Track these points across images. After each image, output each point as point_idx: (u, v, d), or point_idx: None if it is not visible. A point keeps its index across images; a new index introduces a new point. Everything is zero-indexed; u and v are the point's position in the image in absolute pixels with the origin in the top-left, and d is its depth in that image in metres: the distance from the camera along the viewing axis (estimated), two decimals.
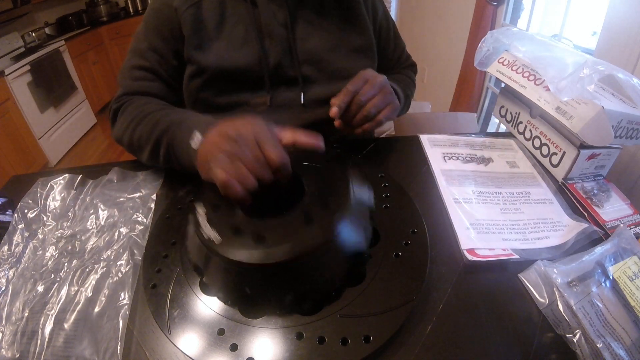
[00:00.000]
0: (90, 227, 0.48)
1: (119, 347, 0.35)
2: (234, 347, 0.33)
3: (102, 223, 0.48)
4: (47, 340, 0.36)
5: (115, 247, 0.45)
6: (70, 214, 0.50)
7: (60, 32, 2.70)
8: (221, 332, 0.34)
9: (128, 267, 0.42)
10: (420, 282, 0.38)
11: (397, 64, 0.78)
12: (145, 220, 0.48)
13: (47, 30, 2.62)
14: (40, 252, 0.45)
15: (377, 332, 0.34)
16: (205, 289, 0.38)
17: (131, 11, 3.20)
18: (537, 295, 0.38)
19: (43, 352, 0.35)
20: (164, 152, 0.51)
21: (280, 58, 0.61)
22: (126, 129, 0.55)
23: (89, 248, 0.45)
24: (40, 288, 0.41)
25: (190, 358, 0.33)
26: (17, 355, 0.35)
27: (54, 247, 0.46)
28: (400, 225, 0.45)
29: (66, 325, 0.37)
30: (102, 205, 0.50)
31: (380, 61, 0.72)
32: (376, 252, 0.41)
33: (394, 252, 0.41)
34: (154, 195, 0.52)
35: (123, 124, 0.56)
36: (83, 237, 0.47)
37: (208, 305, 0.37)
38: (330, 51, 0.64)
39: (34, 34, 2.42)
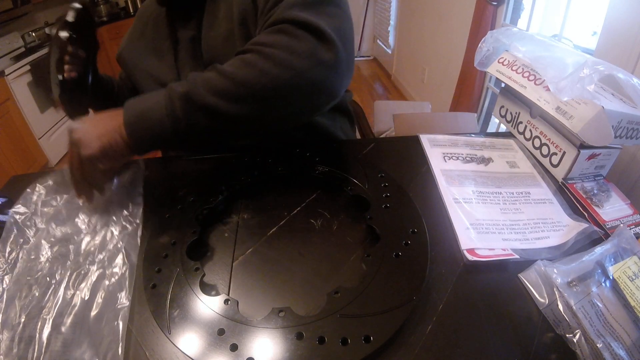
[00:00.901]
0: (82, 228, 0.48)
1: (120, 349, 0.35)
2: (234, 347, 0.33)
3: (94, 222, 0.48)
4: (45, 344, 0.36)
5: (109, 248, 0.44)
6: (61, 217, 0.50)
7: None
8: (221, 332, 0.34)
9: (124, 267, 0.42)
10: (420, 282, 0.38)
11: (260, 18, 0.53)
12: (135, 218, 0.48)
13: (47, 30, 2.62)
14: (34, 257, 0.45)
15: (377, 332, 0.34)
16: None
17: (131, 11, 3.20)
18: (537, 295, 0.38)
19: (42, 357, 0.35)
20: None
21: (191, 64, 0.62)
22: None
23: (82, 250, 0.45)
24: (36, 293, 0.40)
25: (190, 358, 0.33)
26: None
27: (48, 251, 0.45)
28: (400, 225, 0.45)
29: (64, 329, 0.37)
30: (91, 206, 0.50)
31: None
32: (376, 252, 0.41)
33: (394, 252, 0.41)
34: (141, 188, 0.52)
35: None
36: (76, 238, 0.46)
37: (208, 305, 0.37)
38: (226, 39, 0.57)
39: (34, 34, 2.42)
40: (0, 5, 2.15)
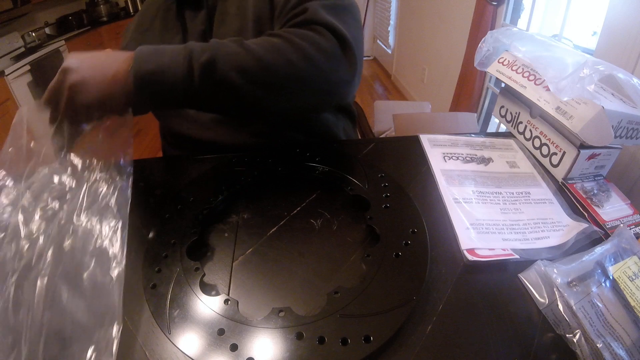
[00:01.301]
0: (69, 180, 0.43)
1: (118, 311, 0.34)
2: (234, 347, 0.33)
3: (80, 172, 0.44)
4: (38, 309, 0.34)
5: (99, 202, 0.41)
6: (46, 165, 0.45)
7: (60, 32, 2.71)
8: (221, 332, 0.34)
9: (114, 221, 0.39)
10: (420, 282, 0.38)
11: (280, 16, 0.54)
12: (125, 168, 0.44)
13: (47, 30, 2.63)
14: (22, 212, 0.41)
15: (377, 332, 0.34)
16: None
17: (131, 11, 3.20)
18: (537, 295, 0.38)
19: (37, 321, 0.33)
20: None
21: None
22: None
23: (70, 205, 0.41)
24: (26, 255, 0.37)
25: (190, 358, 0.33)
26: (10, 327, 0.33)
27: (36, 206, 0.41)
28: (400, 225, 0.45)
29: (58, 294, 0.35)
30: (73, 155, 0.46)
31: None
32: (376, 252, 0.41)
33: (394, 252, 0.41)
34: (131, 137, 0.48)
35: None
36: (63, 191, 0.42)
37: (208, 305, 0.37)
38: (237, 36, 0.60)
39: (34, 34, 2.42)
40: (0, 5, 2.15)
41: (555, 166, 0.57)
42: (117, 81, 0.41)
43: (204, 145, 0.65)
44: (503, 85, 0.65)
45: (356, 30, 0.50)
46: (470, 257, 0.42)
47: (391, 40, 3.33)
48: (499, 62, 0.65)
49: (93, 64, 0.42)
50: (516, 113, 0.66)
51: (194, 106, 0.46)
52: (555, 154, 0.57)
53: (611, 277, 0.39)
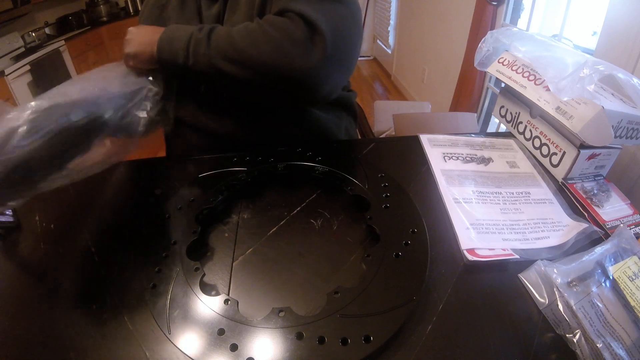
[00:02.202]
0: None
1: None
2: (234, 347, 0.33)
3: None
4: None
5: None
6: None
7: (60, 32, 2.70)
8: (221, 332, 0.34)
9: None
10: (420, 282, 0.38)
11: (275, 4, 0.56)
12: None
13: (47, 30, 2.62)
14: None
15: (377, 332, 0.34)
16: None
17: (131, 11, 3.20)
18: (537, 295, 0.38)
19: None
20: None
21: None
22: None
23: None
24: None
25: (190, 358, 0.33)
26: None
27: None
28: (400, 225, 0.45)
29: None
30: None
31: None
32: (376, 252, 0.41)
33: (394, 252, 0.41)
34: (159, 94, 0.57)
35: None
36: None
37: (208, 305, 0.37)
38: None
39: (34, 34, 2.42)
40: (0, 5, 2.15)
41: (555, 166, 0.57)
42: (150, 44, 0.55)
43: (206, 137, 0.65)
44: (503, 85, 0.65)
45: (337, 19, 0.50)
46: (470, 257, 0.42)
47: (391, 40, 3.33)
48: (499, 62, 0.65)
49: (144, 29, 0.57)
50: (516, 113, 0.66)
51: (193, 77, 0.56)
52: (555, 154, 0.57)
53: (611, 277, 0.39)
